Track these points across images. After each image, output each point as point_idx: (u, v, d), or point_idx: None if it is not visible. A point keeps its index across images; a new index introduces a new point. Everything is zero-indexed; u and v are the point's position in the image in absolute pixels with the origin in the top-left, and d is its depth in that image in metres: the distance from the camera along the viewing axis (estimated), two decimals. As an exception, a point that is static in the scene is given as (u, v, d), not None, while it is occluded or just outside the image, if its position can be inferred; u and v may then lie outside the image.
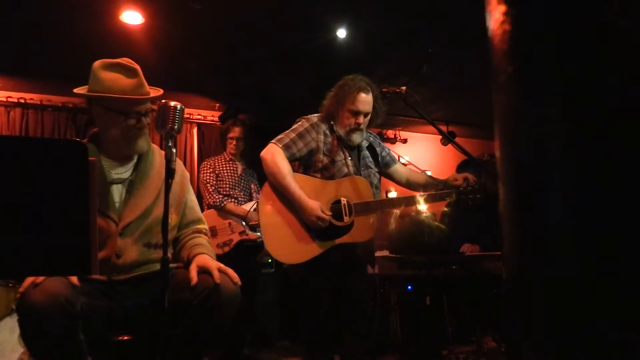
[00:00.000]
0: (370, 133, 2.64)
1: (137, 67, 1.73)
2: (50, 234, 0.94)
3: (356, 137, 2.44)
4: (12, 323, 2.48)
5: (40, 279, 1.42)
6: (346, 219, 2.28)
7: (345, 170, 2.38)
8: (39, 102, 4.46)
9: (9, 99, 4.38)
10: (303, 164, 2.44)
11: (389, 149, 2.71)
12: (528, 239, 0.61)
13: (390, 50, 4.05)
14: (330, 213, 2.26)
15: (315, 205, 2.23)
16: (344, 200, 2.30)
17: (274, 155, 2.29)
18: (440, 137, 2.44)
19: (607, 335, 0.54)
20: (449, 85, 4.80)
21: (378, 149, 2.64)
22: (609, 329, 0.54)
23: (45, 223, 0.94)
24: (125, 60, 1.72)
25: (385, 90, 2.33)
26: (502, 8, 0.63)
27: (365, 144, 2.57)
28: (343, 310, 2.41)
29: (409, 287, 3.63)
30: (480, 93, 2.35)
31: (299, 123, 2.45)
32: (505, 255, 0.65)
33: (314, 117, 2.47)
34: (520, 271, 0.63)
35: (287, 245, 2.27)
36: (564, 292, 0.57)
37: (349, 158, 2.43)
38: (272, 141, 2.36)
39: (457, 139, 4.12)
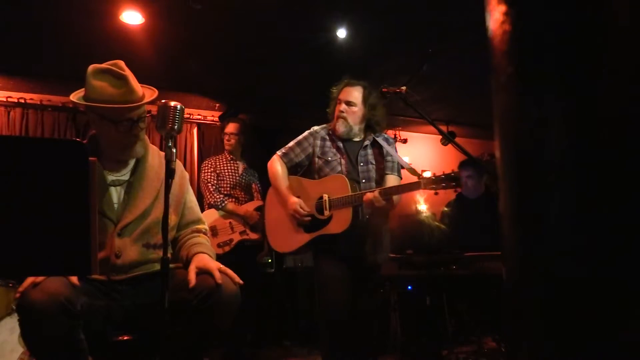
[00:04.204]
0: (383, 135, 2.77)
1: (127, 72, 1.69)
2: (51, 234, 0.94)
3: (339, 126, 2.62)
4: (12, 323, 2.48)
5: (40, 279, 1.42)
6: (326, 212, 2.58)
7: (339, 168, 2.62)
8: (39, 102, 4.45)
9: (9, 99, 4.37)
10: (304, 168, 2.76)
11: (397, 159, 2.69)
12: (528, 239, 0.61)
13: (390, 50, 4.05)
14: (308, 209, 2.59)
15: (294, 201, 2.60)
16: (325, 197, 2.58)
17: (272, 162, 2.74)
18: (440, 137, 2.43)
19: (606, 335, 0.54)
20: (449, 85, 4.80)
21: (385, 150, 2.66)
22: (608, 329, 0.54)
23: (45, 223, 0.94)
24: (115, 66, 1.69)
25: (385, 90, 2.31)
26: (502, 8, 0.63)
27: (367, 142, 2.66)
28: (355, 304, 2.54)
29: (409, 287, 3.63)
30: (480, 93, 2.34)
31: (302, 134, 2.75)
32: (505, 255, 0.65)
33: (317, 127, 2.75)
34: (520, 271, 0.63)
35: (281, 236, 2.71)
36: (563, 292, 0.57)
37: (344, 155, 2.64)
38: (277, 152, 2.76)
39: (457, 139, 4.12)
